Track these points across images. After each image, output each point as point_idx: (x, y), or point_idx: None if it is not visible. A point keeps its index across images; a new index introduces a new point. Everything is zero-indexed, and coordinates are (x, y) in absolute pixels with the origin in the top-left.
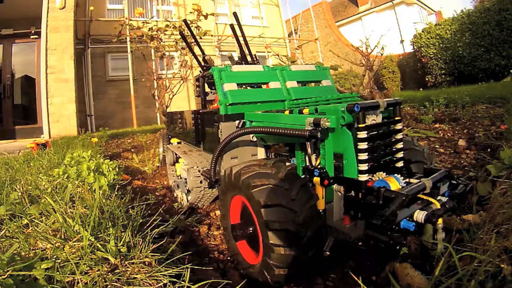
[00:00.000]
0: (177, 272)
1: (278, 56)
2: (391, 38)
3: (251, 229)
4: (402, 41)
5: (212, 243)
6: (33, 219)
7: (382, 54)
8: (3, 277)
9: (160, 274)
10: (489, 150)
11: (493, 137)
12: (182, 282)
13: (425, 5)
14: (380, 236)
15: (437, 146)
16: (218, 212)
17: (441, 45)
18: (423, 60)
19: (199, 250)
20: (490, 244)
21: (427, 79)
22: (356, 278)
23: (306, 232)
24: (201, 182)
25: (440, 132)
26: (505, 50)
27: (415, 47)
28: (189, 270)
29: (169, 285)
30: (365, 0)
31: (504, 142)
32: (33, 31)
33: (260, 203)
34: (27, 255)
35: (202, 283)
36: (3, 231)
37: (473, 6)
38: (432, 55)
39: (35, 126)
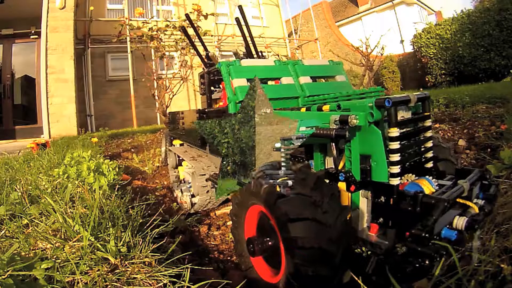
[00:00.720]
0: (177, 272)
1: (278, 56)
2: (391, 38)
3: (270, 243)
4: (402, 41)
5: (212, 243)
6: (33, 219)
7: (382, 54)
8: (3, 277)
9: (160, 274)
10: (489, 150)
11: (493, 137)
12: (182, 282)
13: (425, 5)
14: (423, 248)
15: None
16: (218, 212)
17: (441, 45)
18: (423, 60)
19: (199, 250)
20: (490, 244)
21: (427, 79)
22: (356, 278)
23: (339, 249)
24: (207, 192)
25: (440, 132)
26: (505, 50)
27: (415, 47)
28: (189, 270)
29: (169, 285)
30: (365, 0)
31: (504, 142)
32: (33, 31)
33: (287, 216)
34: (27, 255)
35: (202, 283)
36: (3, 231)
37: (473, 6)
38: (432, 55)
39: (35, 126)
